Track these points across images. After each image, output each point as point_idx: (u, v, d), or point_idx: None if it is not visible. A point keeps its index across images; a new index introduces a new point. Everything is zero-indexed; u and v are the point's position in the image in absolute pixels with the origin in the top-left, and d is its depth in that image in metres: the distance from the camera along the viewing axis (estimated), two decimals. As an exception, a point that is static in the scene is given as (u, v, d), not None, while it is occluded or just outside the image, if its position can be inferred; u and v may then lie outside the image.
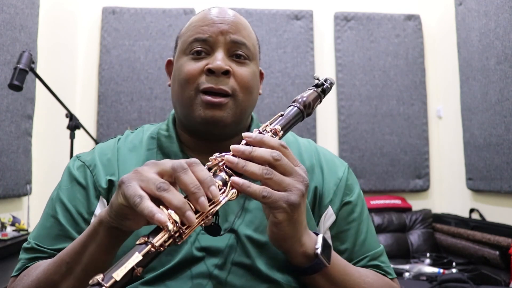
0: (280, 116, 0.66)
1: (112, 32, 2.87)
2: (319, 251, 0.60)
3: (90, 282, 0.44)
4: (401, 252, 2.62)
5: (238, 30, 0.73)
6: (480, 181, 2.44)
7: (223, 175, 0.56)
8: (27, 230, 1.86)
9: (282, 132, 0.64)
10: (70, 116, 1.84)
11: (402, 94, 3.00)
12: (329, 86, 0.73)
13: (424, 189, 2.96)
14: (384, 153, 2.93)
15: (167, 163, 0.53)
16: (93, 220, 0.69)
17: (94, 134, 2.77)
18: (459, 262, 2.26)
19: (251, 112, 0.79)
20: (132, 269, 0.45)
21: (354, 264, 0.72)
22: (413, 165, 2.95)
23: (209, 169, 0.57)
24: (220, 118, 0.70)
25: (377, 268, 0.75)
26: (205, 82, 0.70)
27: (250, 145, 0.58)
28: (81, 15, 2.91)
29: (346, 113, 2.96)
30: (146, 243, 0.47)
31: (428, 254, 2.46)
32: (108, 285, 0.44)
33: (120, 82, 2.84)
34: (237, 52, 0.73)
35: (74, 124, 1.85)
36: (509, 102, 2.17)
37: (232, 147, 0.58)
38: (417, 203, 2.95)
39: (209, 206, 0.51)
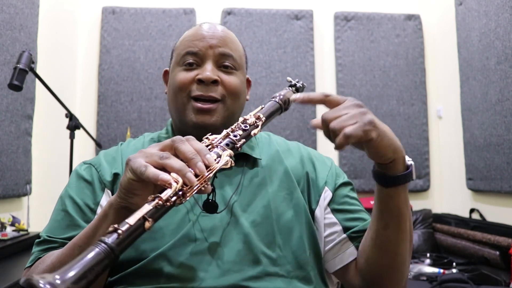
0: (261, 108, 0.75)
1: (112, 32, 2.87)
2: (411, 162, 0.69)
3: (107, 230, 0.50)
4: (401, 252, 2.61)
5: (226, 43, 0.83)
6: (480, 181, 2.43)
7: (217, 150, 0.63)
8: (27, 230, 1.86)
9: (264, 118, 0.72)
10: (70, 116, 1.84)
11: (402, 94, 3.00)
12: (301, 86, 0.84)
13: (424, 189, 2.96)
14: (384, 153, 2.93)
15: (167, 140, 0.61)
16: (99, 210, 0.76)
17: (94, 134, 2.77)
18: (459, 262, 2.25)
19: (239, 117, 0.85)
20: (144, 218, 0.52)
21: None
22: (413, 165, 2.95)
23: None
24: (210, 123, 0.80)
25: None
26: (196, 90, 0.80)
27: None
28: (81, 15, 2.91)
29: (346, 113, 2.96)
30: (154, 198, 0.54)
31: (428, 254, 2.45)
32: (123, 228, 0.50)
33: (120, 82, 2.84)
34: (225, 63, 0.82)
35: (74, 124, 1.85)
36: (509, 102, 2.17)
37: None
38: (417, 203, 2.95)
39: (206, 171, 0.58)
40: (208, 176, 0.59)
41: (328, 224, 0.81)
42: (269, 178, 0.81)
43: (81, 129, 1.91)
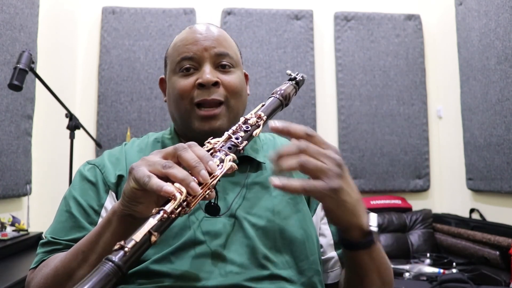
0: (262, 105, 0.74)
1: (112, 32, 2.87)
2: (374, 228, 0.64)
3: (113, 248, 0.50)
4: (401, 252, 2.61)
5: (220, 43, 0.82)
6: (480, 181, 2.43)
7: (219, 154, 0.63)
8: (26, 230, 1.86)
9: (265, 117, 0.71)
10: (70, 116, 1.84)
11: (402, 94, 3.00)
12: (301, 78, 0.82)
13: (424, 189, 2.96)
14: (384, 153, 2.93)
15: (170, 147, 0.60)
16: (103, 212, 0.77)
17: (94, 134, 2.76)
18: (459, 262, 2.25)
19: (243, 113, 0.86)
20: (149, 233, 0.51)
21: None
22: (413, 165, 2.95)
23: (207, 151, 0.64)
24: (216, 127, 0.78)
25: None
26: (198, 96, 0.79)
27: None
28: (81, 15, 2.91)
29: (346, 113, 2.96)
30: (159, 211, 0.54)
31: (428, 254, 2.45)
32: (129, 246, 0.50)
33: (120, 82, 2.84)
34: (222, 62, 0.81)
35: (74, 124, 1.85)
36: (509, 102, 2.17)
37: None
38: (417, 203, 2.95)
39: (210, 178, 0.58)
40: (212, 183, 0.58)
41: (322, 234, 0.81)
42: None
43: (81, 129, 1.91)
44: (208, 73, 0.78)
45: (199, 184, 0.56)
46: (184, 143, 0.83)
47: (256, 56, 2.94)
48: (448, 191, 2.92)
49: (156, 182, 0.54)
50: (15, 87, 1.44)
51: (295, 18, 3.01)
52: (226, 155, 0.63)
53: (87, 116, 2.80)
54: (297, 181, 0.59)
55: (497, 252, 2.08)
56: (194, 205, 0.56)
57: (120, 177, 0.79)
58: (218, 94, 0.79)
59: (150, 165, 0.57)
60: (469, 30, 2.54)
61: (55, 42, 2.52)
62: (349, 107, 2.97)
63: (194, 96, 0.79)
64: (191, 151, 0.59)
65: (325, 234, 0.81)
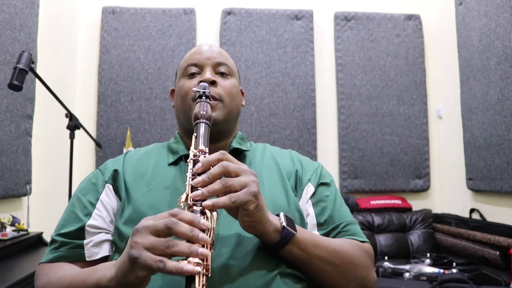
0: (195, 137, 0.79)
1: (112, 32, 2.87)
2: (284, 223, 0.72)
3: None
4: (401, 252, 2.61)
5: (221, 55, 0.99)
6: (480, 181, 2.43)
7: (196, 208, 0.66)
8: (26, 230, 1.86)
9: (207, 149, 0.77)
10: (70, 116, 1.84)
11: (402, 94, 3.00)
12: (209, 90, 0.88)
13: (424, 189, 2.96)
14: (384, 153, 2.93)
15: (158, 224, 0.61)
16: (99, 204, 0.85)
17: (94, 134, 2.77)
18: (459, 262, 2.25)
19: (237, 117, 0.99)
20: None
21: (332, 230, 0.87)
22: (413, 165, 2.95)
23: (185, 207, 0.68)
24: (213, 117, 0.88)
25: (350, 234, 0.87)
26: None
27: (204, 171, 0.69)
28: (81, 15, 2.91)
29: (346, 113, 2.96)
30: None
31: (428, 254, 2.45)
32: None
33: (120, 82, 2.84)
34: (221, 70, 0.97)
35: (74, 124, 1.85)
36: (509, 102, 2.17)
37: (192, 183, 0.68)
38: (417, 203, 2.95)
39: (208, 236, 0.62)
40: (212, 238, 0.63)
41: (307, 214, 0.89)
42: (264, 174, 0.90)
43: (81, 129, 1.91)
44: (208, 73, 0.94)
45: (202, 246, 0.60)
46: (187, 147, 0.93)
47: (256, 56, 2.94)
48: (448, 191, 2.92)
49: (173, 265, 0.57)
50: (15, 87, 1.44)
51: (295, 18, 3.00)
52: (202, 207, 0.66)
53: (87, 116, 2.80)
54: (224, 198, 0.65)
55: (497, 252, 2.08)
56: (210, 265, 0.61)
57: (115, 171, 0.89)
58: (215, 92, 0.92)
59: (151, 249, 0.59)
60: (469, 30, 2.54)
61: (55, 42, 2.52)
62: (349, 107, 2.97)
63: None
64: (181, 222, 0.61)
65: (310, 214, 0.88)
